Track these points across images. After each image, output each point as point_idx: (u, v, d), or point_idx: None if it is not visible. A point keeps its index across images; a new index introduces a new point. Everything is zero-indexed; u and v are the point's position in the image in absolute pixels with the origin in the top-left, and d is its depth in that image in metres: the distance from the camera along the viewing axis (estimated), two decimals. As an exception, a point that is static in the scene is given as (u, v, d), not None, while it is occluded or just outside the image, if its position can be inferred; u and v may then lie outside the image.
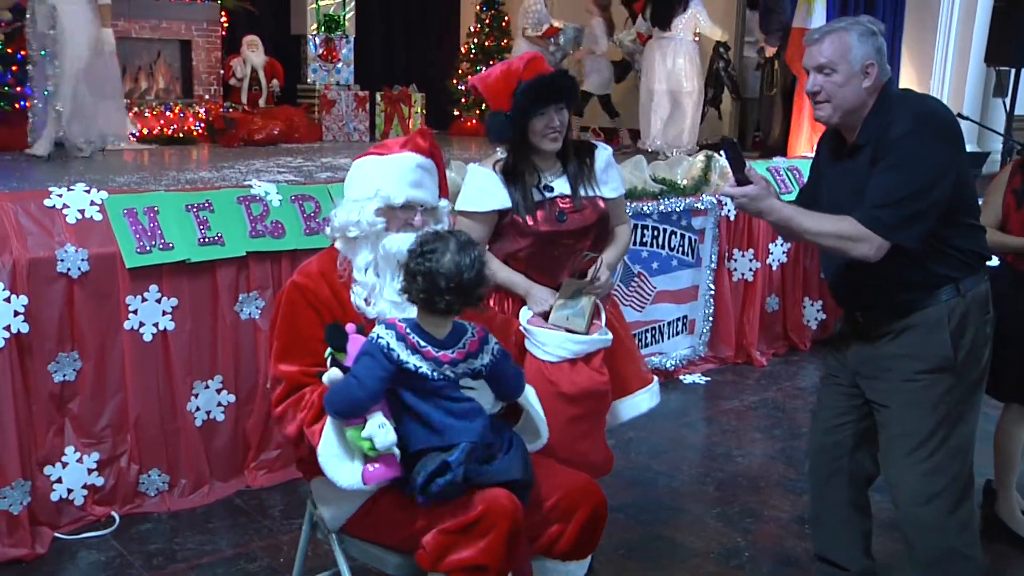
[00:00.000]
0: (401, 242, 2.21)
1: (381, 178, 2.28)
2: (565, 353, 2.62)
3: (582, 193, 2.77)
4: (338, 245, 2.34)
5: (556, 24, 7.89)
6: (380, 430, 2.01)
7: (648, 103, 6.89)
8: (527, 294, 2.74)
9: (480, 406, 2.15)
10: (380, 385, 2.03)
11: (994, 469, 3.33)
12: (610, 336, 2.71)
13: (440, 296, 2.02)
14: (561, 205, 2.74)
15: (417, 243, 2.08)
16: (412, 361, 2.04)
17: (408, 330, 2.07)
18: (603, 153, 2.86)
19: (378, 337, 2.05)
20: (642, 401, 2.92)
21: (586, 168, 2.81)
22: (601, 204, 2.80)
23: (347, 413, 2.05)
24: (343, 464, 2.08)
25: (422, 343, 2.06)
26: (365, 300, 2.26)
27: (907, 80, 7.13)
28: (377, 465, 2.05)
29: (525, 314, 2.72)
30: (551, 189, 2.76)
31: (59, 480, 3.23)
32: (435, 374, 2.06)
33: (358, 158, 2.39)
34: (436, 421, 2.08)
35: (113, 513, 3.34)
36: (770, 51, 6.86)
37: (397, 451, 2.05)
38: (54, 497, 3.22)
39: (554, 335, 2.63)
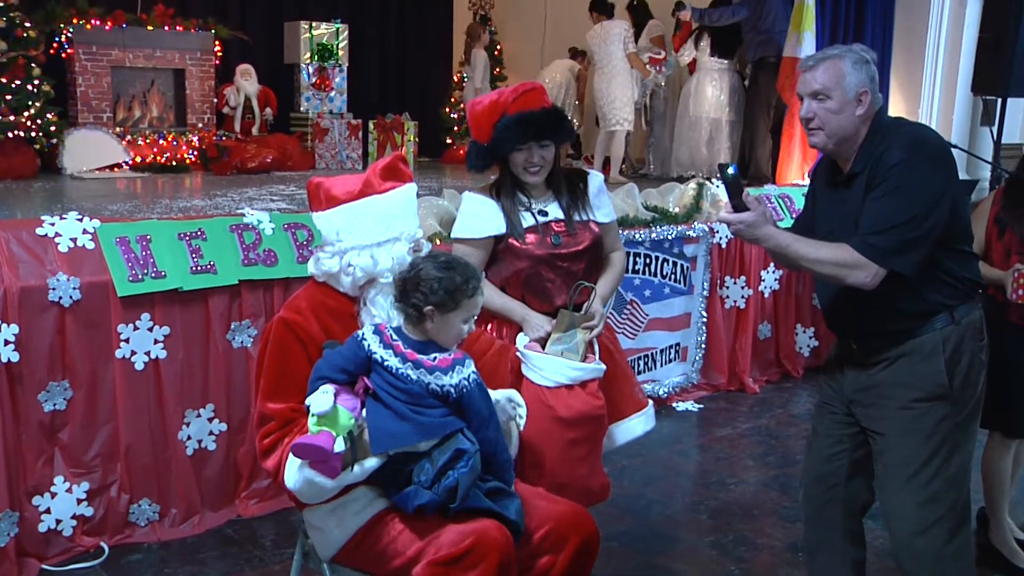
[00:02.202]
0: None
1: (398, 218, 2.29)
2: (562, 379, 2.63)
3: (576, 217, 2.81)
4: (330, 281, 2.32)
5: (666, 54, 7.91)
6: (321, 396, 2.01)
7: (697, 129, 7.25)
8: (523, 320, 2.76)
9: (457, 420, 2.12)
10: (342, 362, 2.11)
11: (984, 497, 3.32)
12: (603, 367, 2.73)
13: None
14: (556, 228, 2.78)
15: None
16: (380, 352, 2.11)
17: (387, 328, 2.16)
18: (595, 179, 2.91)
19: (360, 332, 2.17)
20: (637, 425, 2.93)
21: (579, 193, 2.85)
22: (595, 228, 2.84)
23: (309, 389, 2.09)
24: (291, 460, 2.07)
25: (395, 337, 2.13)
26: None
27: (896, 109, 7.20)
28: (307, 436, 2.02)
29: (522, 340, 2.74)
30: (545, 214, 2.80)
31: (47, 511, 3.19)
32: (400, 370, 2.08)
33: (344, 201, 2.30)
34: (414, 417, 2.07)
35: (102, 544, 3.30)
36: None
37: (340, 441, 2.01)
38: (42, 528, 3.18)
39: (551, 360, 2.64)
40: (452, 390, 2.10)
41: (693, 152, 7.37)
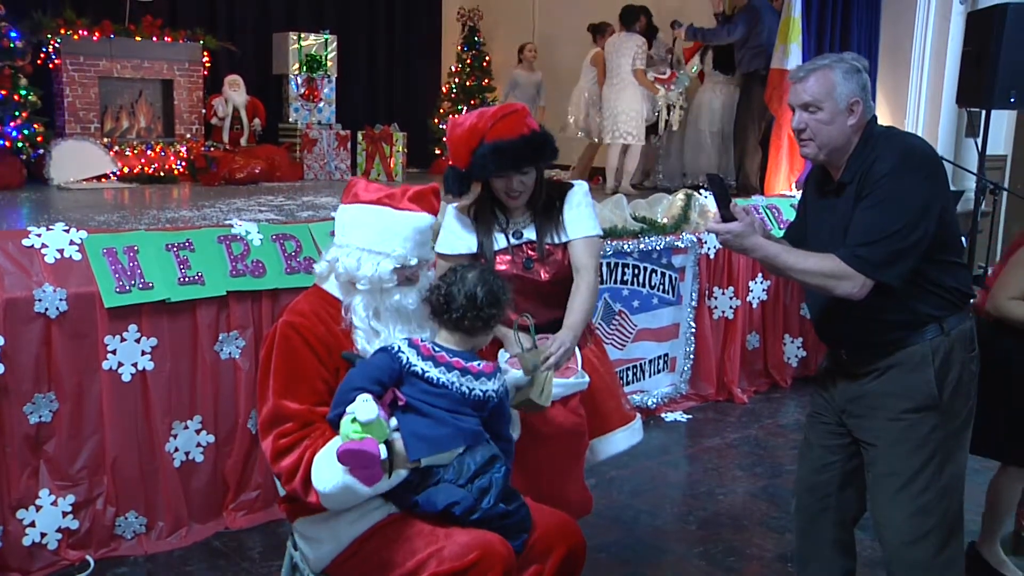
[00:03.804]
0: (407, 296, 2.28)
1: (399, 237, 2.27)
2: None
3: (548, 240, 2.73)
4: (329, 287, 2.32)
5: (675, 71, 7.83)
6: (363, 404, 1.99)
7: (702, 140, 7.40)
8: (503, 337, 2.72)
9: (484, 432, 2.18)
10: (377, 374, 2.11)
11: (983, 516, 3.29)
12: (587, 379, 2.69)
13: (454, 311, 2.20)
14: (529, 252, 2.73)
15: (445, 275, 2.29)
16: (419, 364, 2.13)
17: (422, 340, 2.19)
18: (575, 192, 2.79)
19: (393, 344, 2.19)
20: (623, 438, 2.91)
21: (555, 213, 2.76)
22: (567, 251, 2.76)
23: (340, 399, 2.08)
24: (326, 464, 2.04)
25: (437, 348, 2.17)
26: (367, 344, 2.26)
27: (883, 120, 7.07)
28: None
29: (502, 356, 2.71)
30: (520, 235, 2.75)
31: (32, 524, 3.16)
32: (441, 379, 2.12)
33: (362, 201, 2.32)
34: (454, 422, 2.11)
35: (88, 557, 3.27)
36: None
37: (383, 448, 2.00)
38: (26, 542, 3.15)
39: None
40: (494, 395, 2.18)
41: (700, 163, 7.45)
